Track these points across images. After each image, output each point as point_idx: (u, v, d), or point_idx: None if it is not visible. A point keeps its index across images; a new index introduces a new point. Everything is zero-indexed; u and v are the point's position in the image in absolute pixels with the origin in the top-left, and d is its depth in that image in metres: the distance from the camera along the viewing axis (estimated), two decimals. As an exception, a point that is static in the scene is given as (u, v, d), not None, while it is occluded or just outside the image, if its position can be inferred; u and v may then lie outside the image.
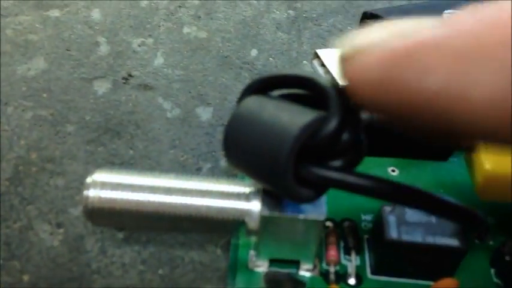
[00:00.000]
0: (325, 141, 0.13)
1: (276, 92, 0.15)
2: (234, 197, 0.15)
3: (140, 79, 0.22)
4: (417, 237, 0.15)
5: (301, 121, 0.13)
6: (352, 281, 0.16)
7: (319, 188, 0.14)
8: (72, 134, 0.20)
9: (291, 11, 0.26)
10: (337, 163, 0.14)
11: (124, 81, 0.22)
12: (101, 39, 0.23)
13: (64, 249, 0.17)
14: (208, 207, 0.15)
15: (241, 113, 0.14)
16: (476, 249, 0.17)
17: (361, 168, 0.19)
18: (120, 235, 0.17)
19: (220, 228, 0.15)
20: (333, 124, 0.13)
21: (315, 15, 0.26)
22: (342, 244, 0.17)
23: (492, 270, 0.16)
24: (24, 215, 0.17)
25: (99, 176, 0.15)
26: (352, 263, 0.16)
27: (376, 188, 0.13)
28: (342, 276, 0.16)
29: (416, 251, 0.15)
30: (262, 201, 0.15)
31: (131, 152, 0.19)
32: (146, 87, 0.22)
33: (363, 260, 0.16)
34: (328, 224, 0.17)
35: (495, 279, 0.16)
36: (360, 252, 0.17)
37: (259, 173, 0.14)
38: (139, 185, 0.15)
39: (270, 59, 0.24)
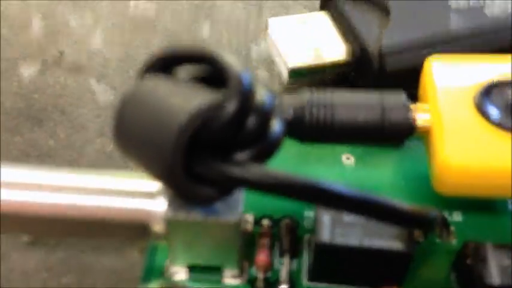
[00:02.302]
0: (224, 129, 0.11)
1: (184, 72, 0.12)
2: (137, 195, 0.13)
3: (72, 59, 0.20)
4: (353, 239, 0.13)
5: (191, 106, 0.10)
6: (283, 288, 0.14)
7: (222, 185, 0.11)
8: (-12, 123, 0.18)
9: (252, -19, 0.23)
10: (242, 156, 0.11)
11: (55, 62, 0.20)
12: (35, 17, 0.21)
13: (-40, 255, 0.15)
14: (106, 209, 0.13)
15: (133, 96, 0.12)
16: (437, 250, 0.14)
17: (309, 156, 0.16)
18: (25, 238, 0.15)
19: (123, 232, 0.13)
20: (231, 108, 0.11)
21: (278, -15, 0.23)
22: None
23: (453, 275, 0.14)
24: None
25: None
26: (284, 267, 0.14)
27: (287, 188, 0.11)
28: (272, 284, 0.14)
29: (353, 255, 0.13)
30: (169, 200, 0.12)
31: (52, 142, 0.17)
32: (79, 68, 0.19)
33: (300, 265, 0.14)
34: (264, 222, 0.15)
35: (455, 286, 0.14)
36: (296, 255, 0.14)
37: (152, 169, 0.11)
38: (26, 183, 0.13)
39: (224, 34, 0.21)
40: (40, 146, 0.17)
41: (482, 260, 0.13)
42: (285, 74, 0.18)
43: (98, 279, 0.14)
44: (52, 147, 0.17)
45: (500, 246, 0.13)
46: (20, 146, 0.17)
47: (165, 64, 0.12)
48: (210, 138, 0.11)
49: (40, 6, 0.22)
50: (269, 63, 0.19)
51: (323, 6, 0.19)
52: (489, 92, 0.14)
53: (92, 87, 0.19)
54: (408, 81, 0.16)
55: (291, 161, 0.16)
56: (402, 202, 0.12)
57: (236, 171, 0.11)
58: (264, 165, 0.11)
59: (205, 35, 0.21)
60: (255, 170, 0.11)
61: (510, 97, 0.14)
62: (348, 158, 0.16)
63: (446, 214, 0.15)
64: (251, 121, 0.11)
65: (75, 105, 0.18)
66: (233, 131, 0.11)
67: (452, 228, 0.14)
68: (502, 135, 0.13)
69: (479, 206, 0.15)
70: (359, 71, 0.18)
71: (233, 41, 0.21)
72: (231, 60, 0.11)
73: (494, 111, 0.13)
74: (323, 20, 0.19)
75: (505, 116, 0.13)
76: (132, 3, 0.22)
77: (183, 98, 0.11)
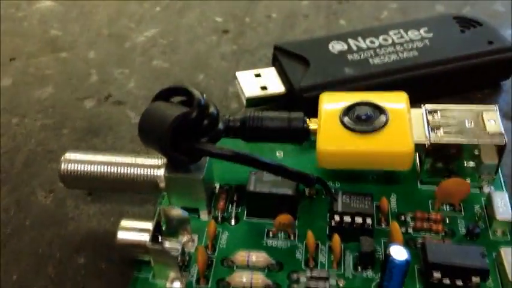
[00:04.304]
0: (191, 125, 0.22)
1: (177, 98, 0.24)
2: (151, 166, 0.24)
3: (116, 98, 0.31)
4: (266, 188, 0.23)
5: (175, 113, 0.22)
6: (232, 221, 0.24)
7: (193, 155, 0.22)
8: (65, 135, 0.29)
9: (234, 46, 0.35)
10: (203, 139, 0.22)
11: (105, 99, 0.31)
12: (93, 71, 0.33)
13: (52, 206, 0.26)
14: (136, 173, 0.24)
15: (148, 111, 0.23)
16: (322, 201, 0.25)
17: (256, 151, 0.27)
18: (89, 198, 0.26)
19: (144, 186, 0.24)
20: (193, 115, 0.22)
21: (251, 48, 0.34)
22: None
23: (328, 214, 0.24)
24: (31, 185, 0.27)
25: (69, 155, 0.24)
26: (233, 209, 0.24)
27: (225, 155, 0.22)
28: (226, 219, 0.24)
29: (265, 197, 0.23)
30: (166, 168, 0.23)
31: (104, 145, 0.29)
32: (120, 103, 0.31)
33: (242, 209, 0.25)
34: (225, 187, 0.26)
35: (328, 219, 0.24)
36: (241, 203, 0.25)
37: (157, 148, 0.22)
38: (93, 160, 0.24)
39: (212, 81, 0.32)
40: (97, 148, 0.28)
41: (335, 199, 0.23)
42: (245, 102, 0.29)
43: (130, 218, 0.25)
44: (104, 148, 0.28)
45: (347, 192, 0.23)
46: (85, 149, 0.28)
47: (165, 95, 0.23)
48: (186, 130, 0.22)
49: (95, 64, 0.33)
50: (238, 97, 0.31)
51: (272, 64, 0.31)
52: (347, 111, 0.25)
53: (128, 114, 0.30)
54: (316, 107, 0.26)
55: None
56: (296, 168, 0.23)
57: (199, 146, 0.22)
58: (215, 144, 0.22)
59: (200, 81, 0.32)
60: (210, 146, 0.22)
61: (355, 114, 0.24)
62: (278, 153, 0.27)
63: (330, 183, 0.25)
64: (205, 122, 0.22)
65: (118, 125, 0.30)
66: (196, 126, 0.22)
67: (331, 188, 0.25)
68: (350, 134, 0.24)
69: (351, 177, 0.25)
70: (289, 100, 0.29)
71: (217, 84, 0.32)
72: (196, 92, 0.22)
73: (347, 121, 0.24)
74: (271, 71, 0.30)
75: (353, 124, 0.24)
76: (154, 61, 0.34)
77: (172, 111, 0.22)
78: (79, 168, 0.24)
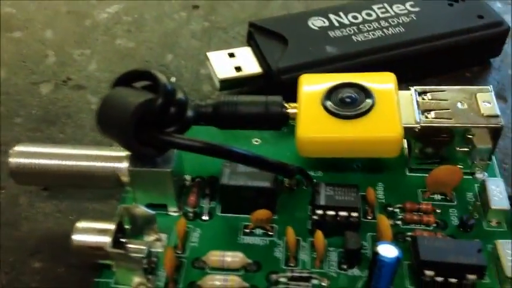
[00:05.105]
0: (157, 113, 0.19)
1: (140, 84, 0.21)
2: (112, 159, 0.21)
3: (76, 81, 0.28)
4: (240, 181, 0.21)
5: (137, 101, 0.19)
6: (205, 217, 0.22)
7: (159, 147, 0.20)
8: (19, 124, 0.26)
9: (205, 23, 0.32)
10: (169, 130, 0.20)
11: (63, 83, 0.28)
12: (50, 52, 0.30)
13: (4, 204, 0.23)
14: (95, 166, 0.21)
15: (107, 98, 0.20)
16: (302, 192, 0.23)
17: (231, 139, 0.24)
18: (45, 193, 0.23)
19: (105, 181, 0.22)
20: (159, 102, 0.19)
21: (224, 25, 0.32)
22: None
23: (310, 207, 0.22)
24: (-21, 182, 0.24)
25: (18, 148, 0.22)
26: (206, 205, 0.22)
27: (195, 147, 0.19)
28: (198, 215, 0.22)
29: (240, 191, 0.21)
30: (130, 161, 0.21)
31: (61, 135, 0.26)
32: (80, 87, 0.28)
33: (216, 204, 0.22)
34: (197, 180, 0.23)
35: (309, 213, 0.22)
36: (214, 197, 0.22)
37: (117, 139, 0.20)
38: (47, 153, 0.21)
39: (182, 61, 0.30)
40: (54, 138, 0.26)
41: (317, 191, 0.21)
42: (218, 85, 0.26)
43: (92, 217, 0.23)
44: (62, 139, 0.26)
45: (330, 183, 0.21)
46: (40, 139, 0.26)
47: (126, 80, 0.21)
48: (150, 119, 0.19)
49: (52, 45, 0.31)
50: (211, 80, 0.28)
51: (248, 42, 0.28)
52: (329, 94, 0.22)
53: (88, 100, 0.28)
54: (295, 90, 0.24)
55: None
56: (273, 158, 0.21)
57: (166, 137, 0.19)
58: (183, 135, 0.20)
59: (169, 62, 0.30)
60: (177, 137, 0.20)
61: (338, 97, 0.22)
62: (256, 141, 0.25)
63: (312, 172, 0.23)
64: (172, 110, 0.19)
65: (77, 112, 0.27)
66: (162, 115, 0.19)
67: (313, 179, 0.23)
68: (333, 119, 0.22)
69: (334, 166, 0.23)
70: (266, 82, 0.26)
71: (188, 65, 0.29)
72: (161, 76, 0.20)
73: (330, 105, 0.22)
74: (246, 51, 0.27)
75: (336, 108, 0.22)
76: (118, 40, 0.31)
77: (134, 97, 0.19)
78: (31, 162, 0.21)
